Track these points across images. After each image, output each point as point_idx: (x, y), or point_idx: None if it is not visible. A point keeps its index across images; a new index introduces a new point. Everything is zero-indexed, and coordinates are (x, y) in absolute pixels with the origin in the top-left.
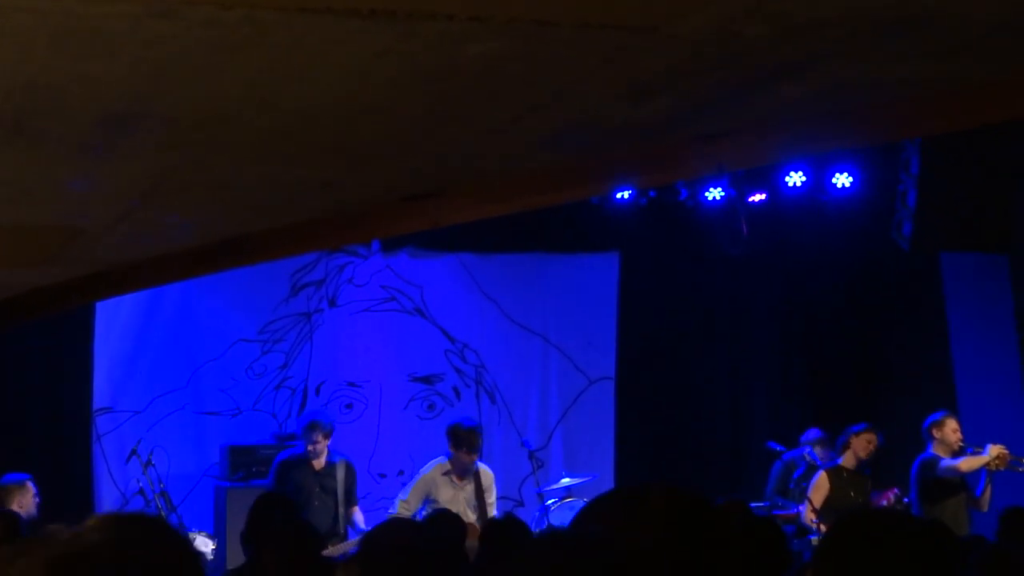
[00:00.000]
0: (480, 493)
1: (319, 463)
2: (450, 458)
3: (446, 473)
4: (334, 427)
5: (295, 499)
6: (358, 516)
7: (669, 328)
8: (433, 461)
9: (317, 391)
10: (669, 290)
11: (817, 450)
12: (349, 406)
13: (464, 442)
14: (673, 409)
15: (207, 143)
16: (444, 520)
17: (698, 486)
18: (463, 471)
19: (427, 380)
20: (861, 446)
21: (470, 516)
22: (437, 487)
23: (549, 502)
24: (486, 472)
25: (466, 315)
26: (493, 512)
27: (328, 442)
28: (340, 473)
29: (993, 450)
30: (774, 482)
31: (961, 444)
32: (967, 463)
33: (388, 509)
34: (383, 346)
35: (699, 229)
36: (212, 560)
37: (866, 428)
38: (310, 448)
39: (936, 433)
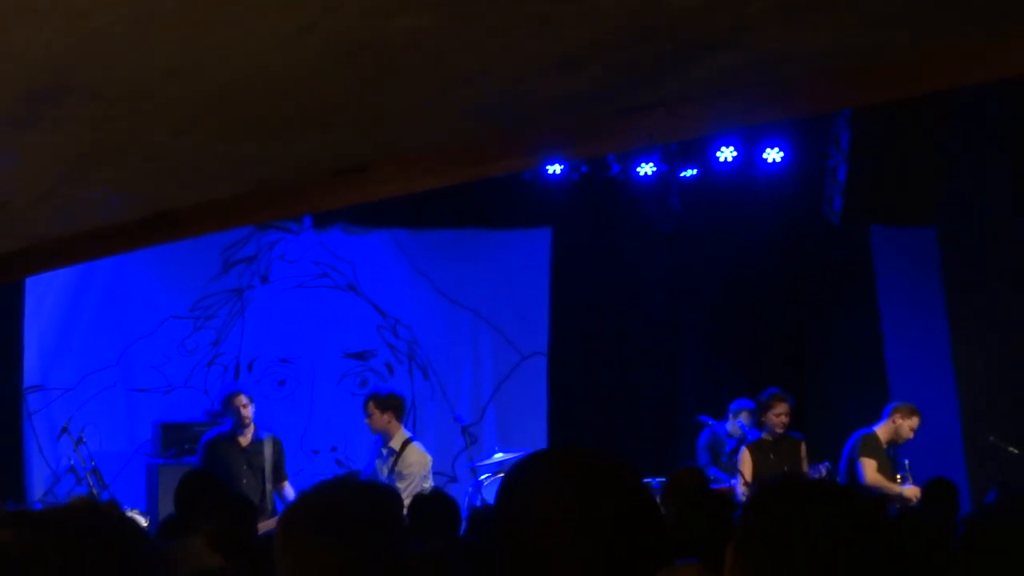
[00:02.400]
0: (393, 469)
1: (245, 439)
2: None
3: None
4: (252, 396)
5: (222, 478)
6: (288, 491)
7: (602, 304)
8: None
9: (249, 368)
10: (602, 265)
11: (743, 417)
12: (282, 382)
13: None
14: (606, 384)
15: (132, 117)
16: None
17: (631, 459)
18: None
19: (360, 356)
20: (771, 418)
21: None
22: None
23: (482, 477)
24: (413, 450)
25: (399, 291)
26: None
27: (253, 407)
28: (267, 450)
29: (909, 491)
30: (703, 452)
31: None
32: (877, 480)
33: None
34: (316, 322)
35: (631, 204)
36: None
37: (771, 396)
38: (244, 415)
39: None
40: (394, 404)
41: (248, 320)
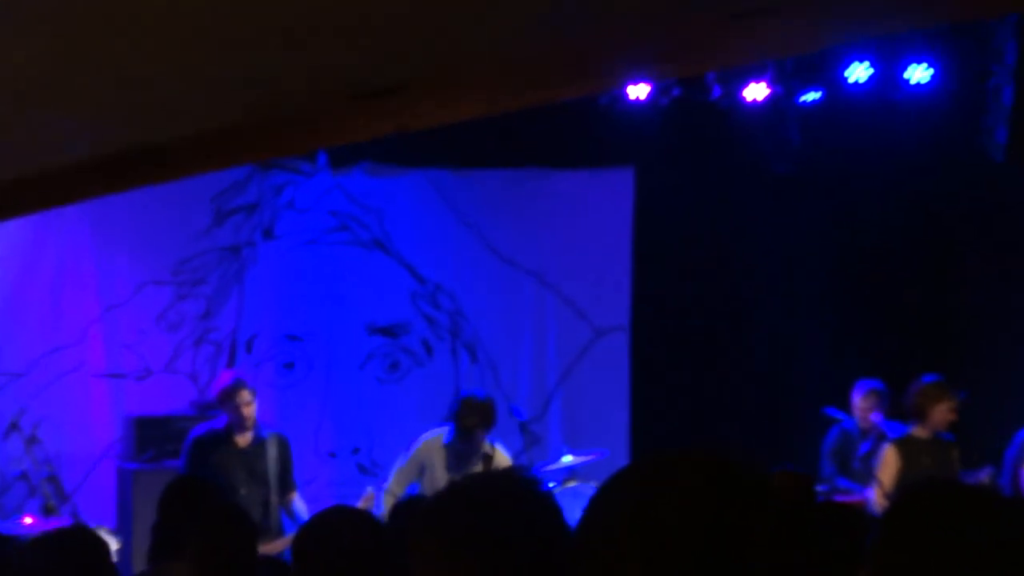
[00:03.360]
0: None
1: (244, 439)
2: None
3: (446, 446)
4: (255, 389)
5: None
6: (299, 505)
7: (697, 265)
8: (435, 430)
9: (248, 347)
10: (697, 216)
11: (872, 399)
12: (289, 365)
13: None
14: (702, 367)
15: (102, 25)
16: (412, 511)
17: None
18: (463, 449)
19: (389, 332)
20: (936, 414)
21: None
22: (432, 460)
23: (547, 486)
24: (501, 455)
25: (439, 248)
26: None
27: (256, 404)
28: (272, 452)
29: None
30: (830, 457)
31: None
32: None
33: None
34: (333, 289)
35: (736, 138)
36: (117, 562)
37: (937, 386)
38: (244, 414)
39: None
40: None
41: (247, 286)
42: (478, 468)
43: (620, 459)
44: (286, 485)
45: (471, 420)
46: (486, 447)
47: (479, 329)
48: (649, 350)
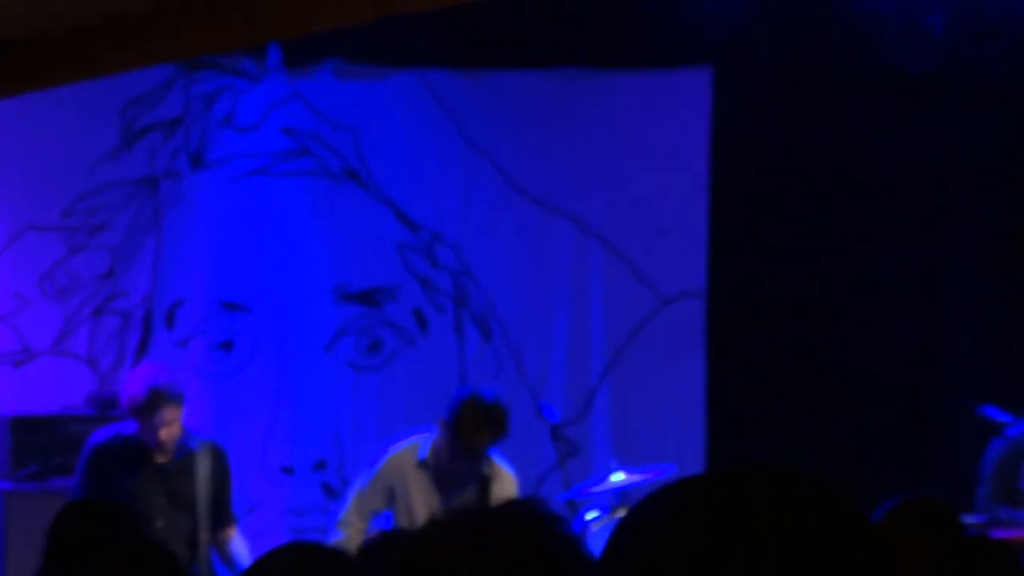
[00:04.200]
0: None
1: (163, 455)
2: (435, 441)
3: (422, 463)
4: (185, 394)
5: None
6: (237, 546)
7: (801, 206)
8: (408, 438)
9: (170, 320)
10: (799, 137)
11: None
12: (227, 345)
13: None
14: (807, 349)
15: None
16: (387, 549)
17: (858, 486)
18: (453, 469)
19: (368, 299)
20: None
21: None
22: (405, 482)
23: (589, 516)
24: (506, 476)
25: (438, 182)
26: None
27: (180, 419)
28: (203, 468)
29: None
30: (991, 477)
31: None
32: None
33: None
34: (288, 238)
35: (852, 28)
36: None
37: None
38: (162, 438)
39: None
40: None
41: (167, 234)
42: (470, 496)
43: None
44: (221, 515)
45: (475, 433)
46: (484, 465)
47: (495, 295)
48: (734, 326)
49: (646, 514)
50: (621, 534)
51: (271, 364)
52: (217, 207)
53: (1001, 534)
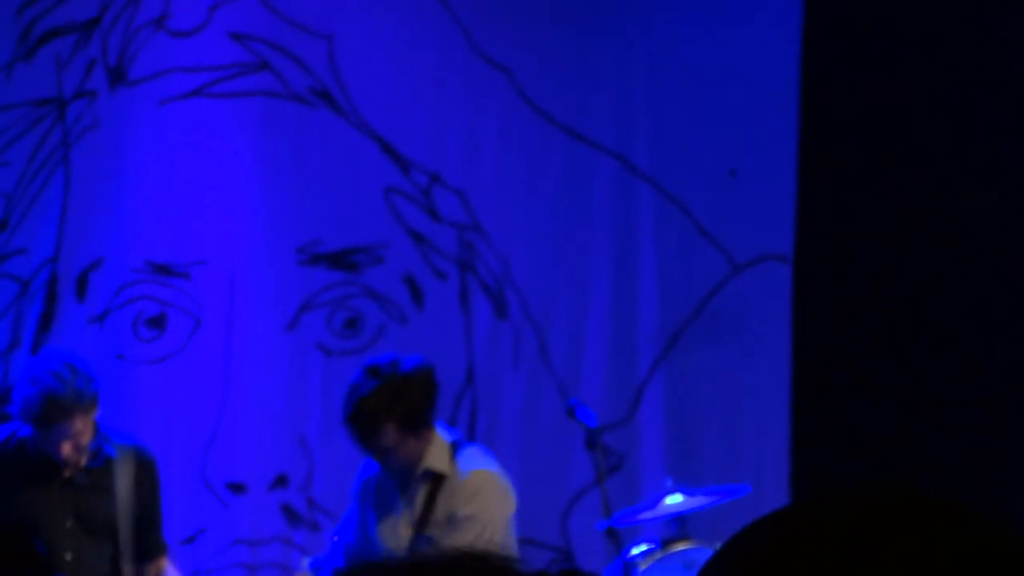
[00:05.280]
0: (426, 514)
1: (70, 469)
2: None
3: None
4: (99, 392)
5: (17, 545)
6: None
7: (918, 153)
8: None
9: (81, 287)
10: (916, 71)
11: None
12: (155, 322)
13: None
14: (932, 336)
15: None
16: None
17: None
18: (407, 471)
19: (345, 262)
20: None
21: None
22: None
23: (636, 551)
24: (470, 482)
25: (437, 105)
26: None
27: (92, 424)
28: (123, 481)
29: None
30: None
31: None
32: None
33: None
34: (239, 181)
35: None
36: None
37: None
38: (65, 454)
39: None
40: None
41: (77, 175)
42: (411, 513)
43: (773, 502)
44: (148, 543)
45: (364, 401)
46: (431, 460)
47: (512, 257)
48: (830, 300)
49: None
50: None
51: (215, 347)
52: (144, 139)
53: None
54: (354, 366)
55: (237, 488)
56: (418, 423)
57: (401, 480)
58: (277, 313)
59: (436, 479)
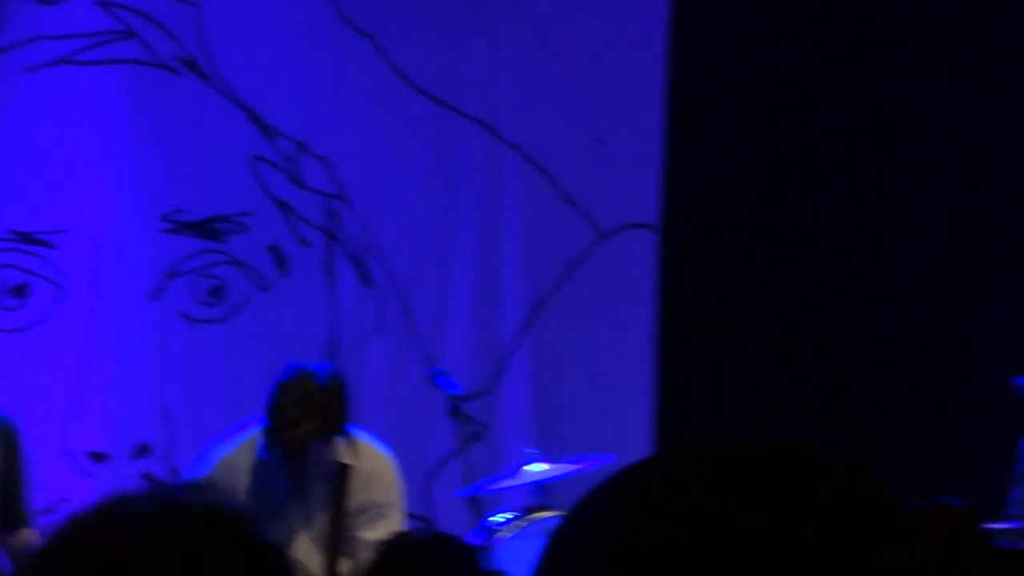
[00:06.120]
0: (338, 513)
1: None
2: None
3: (263, 461)
4: None
5: None
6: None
7: (780, 114)
8: (242, 431)
9: None
10: (786, 27)
11: None
12: (18, 290)
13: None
14: (802, 302)
15: None
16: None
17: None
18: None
19: (209, 229)
20: None
21: (314, 569)
22: (243, 488)
23: (498, 520)
24: (375, 465)
25: (304, 73)
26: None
27: None
28: None
29: None
30: None
31: None
32: None
33: None
34: (103, 148)
35: None
36: None
37: None
38: None
39: None
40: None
41: None
42: (322, 494)
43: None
44: (12, 513)
45: (292, 429)
46: (338, 449)
47: (377, 225)
48: (695, 268)
49: (595, 516)
50: (559, 548)
51: (78, 315)
52: (10, 106)
53: None
54: (218, 335)
55: (99, 457)
56: (340, 430)
57: (298, 478)
58: (141, 281)
59: (342, 470)
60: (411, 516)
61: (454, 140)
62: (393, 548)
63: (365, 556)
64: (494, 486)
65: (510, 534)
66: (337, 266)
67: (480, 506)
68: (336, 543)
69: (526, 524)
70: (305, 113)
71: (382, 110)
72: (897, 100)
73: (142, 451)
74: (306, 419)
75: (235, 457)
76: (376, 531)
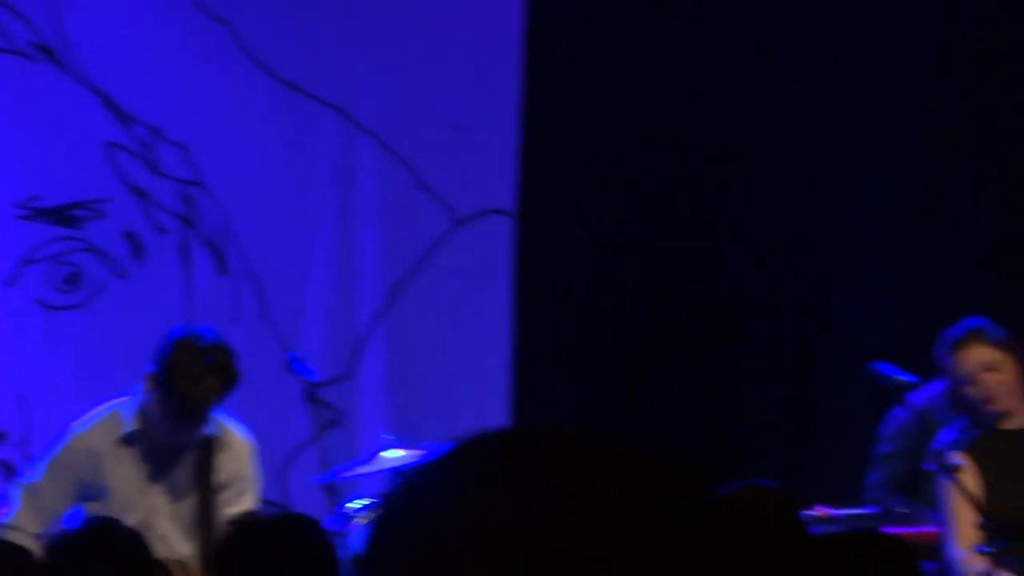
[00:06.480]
0: (207, 488)
1: None
2: (143, 405)
3: (128, 438)
4: None
5: None
6: None
7: (637, 100)
8: (100, 409)
9: None
10: (643, 11)
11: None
12: None
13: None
14: (658, 289)
15: None
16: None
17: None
18: (172, 438)
19: (64, 216)
20: (977, 388)
21: (179, 547)
22: (103, 469)
23: (353, 507)
24: (237, 440)
25: (159, 59)
26: None
27: None
28: None
29: None
30: (891, 460)
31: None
32: None
33: None
34: None
35: None
36: None
37: (966, 336)
38: None
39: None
40: None
41: None
42: (189, 472)
43: None
44: None
45: (194, 384)
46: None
47: (233, 213)
48: (552, 255)
49: (412, 494)
50: (385, 520)
51: None
52: None
53: (899, 529)
54: (74, 322)
55: None
56: (233, 390)
57: (162, 455)
58: None
59: (207, 443)
60: (267, 502)
61: (310, 127)
62: (245, 526)
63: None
64: (350, 472)
65: (367, 520)
66: (193, 253)
67: (336, 492)
68: (207, 519)
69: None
70: (161, 100)
71: (238, 97)
72: (751, 94)
73: None
74: (208, 374)
75: (91, 436)
76: (239, 506)
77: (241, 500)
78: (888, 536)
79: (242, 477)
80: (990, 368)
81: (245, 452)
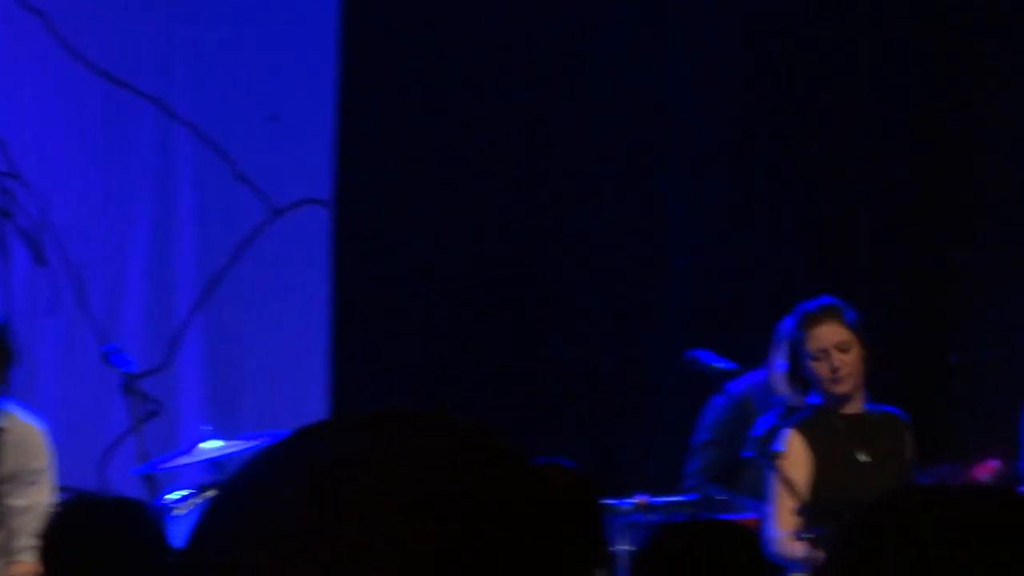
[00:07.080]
0: None
1: None
2: None
3: None
4: None
5: None
6: None
7: (454, 86)
8: None
9: None
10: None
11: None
12: None
13: None
14: (476, 276)
15: None
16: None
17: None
18: None
19: None
20: (818, 367)
21: None
22: None
23: (172, 497)
24: (26, 430)
25: None
26: (28, 541)
27: None
28: None
29: None
30: (709, 448)
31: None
32: None
33: None
34: None
35: None
36: None
37: (816, 312)
38: None
39: None
40: None
41: None
42: None
43: None
44: None
45: None
46: None
47: (52, 203)
48: (369, 245)
49: (242, 483)
50: (215, 511)
51: None
52: None
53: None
54: None
55: None
56: (7, 381)
57: None
58: None
59: None
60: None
61: (127, 118)
62: (74, 508)
63: (18, 523)
64: (169, 463)
65: (186, 511)
66: (10, 244)
67: (155, 484)
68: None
69: (202, 501)
70: None
71: (54, 88)
72: (582, 79)
73: None
74: None
75: None
76: (27, 498)
77: (30, 491)
78: (735, 524)
79: (31, 469)
80: (840, 348)
81: (34, 443)
